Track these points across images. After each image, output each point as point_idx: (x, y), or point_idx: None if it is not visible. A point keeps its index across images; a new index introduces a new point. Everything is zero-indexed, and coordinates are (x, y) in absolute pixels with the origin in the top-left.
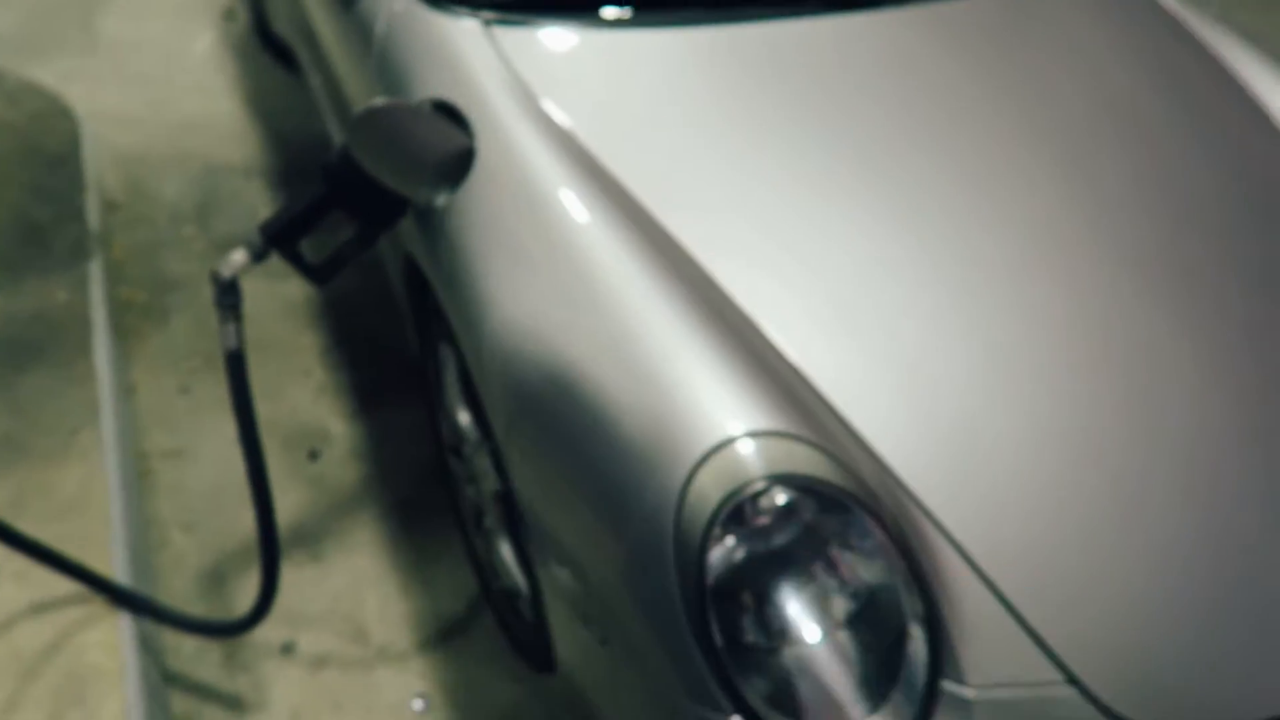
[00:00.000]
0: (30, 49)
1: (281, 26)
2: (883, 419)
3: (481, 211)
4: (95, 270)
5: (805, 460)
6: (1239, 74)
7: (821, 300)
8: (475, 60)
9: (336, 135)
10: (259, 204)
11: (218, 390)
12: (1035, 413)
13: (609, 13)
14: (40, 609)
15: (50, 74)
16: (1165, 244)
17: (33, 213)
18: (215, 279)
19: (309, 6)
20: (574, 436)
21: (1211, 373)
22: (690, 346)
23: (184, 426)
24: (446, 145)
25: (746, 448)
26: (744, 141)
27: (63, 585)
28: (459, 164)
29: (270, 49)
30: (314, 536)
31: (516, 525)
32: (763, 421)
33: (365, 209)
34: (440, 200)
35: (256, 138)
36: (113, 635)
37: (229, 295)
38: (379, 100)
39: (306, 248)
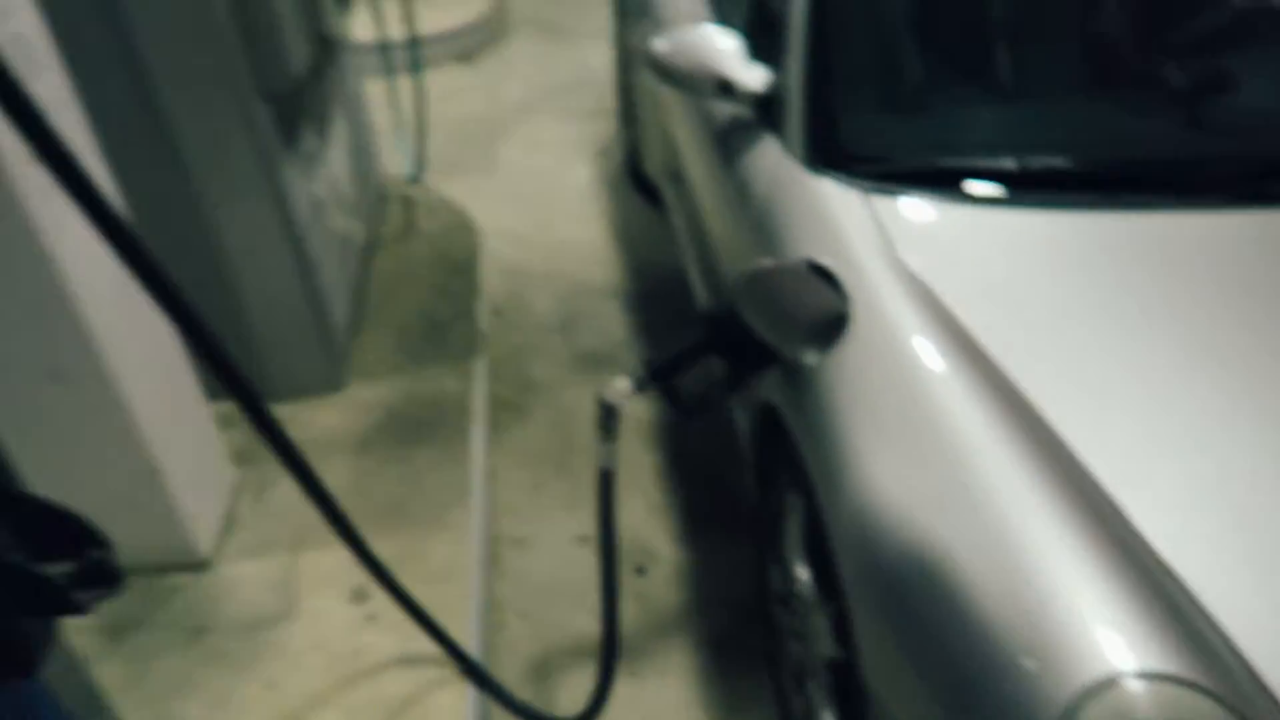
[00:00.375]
0: (448, 169)
1: (651, 168)
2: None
3: (852, 375)
4: (480, 366)
5: (1201, 714)
6: None
7: (1226, 521)
8: (853, 228)
9: (694, 273)
10: (614, 323)
11: (563, 489)
12: None
13: (991, 191)
14: (406, 662)
15: (460, 190)
16: None
17: (437, 311)
18: (600, 402)
19: (683, 156)
20: (935, 624)
21: None
22: (1074, 552)
23: (531, 519)
24: (822, 308)
25: (1137, 689)
26: (1133, 335)
27: (426, 645)
28: (832, 327)
29: (638, 186)
30: (633, 651)
31: (848, 698)
32: (1157, 660)
33: (738, 358)
34: (812, 359)
35: (618, 263)
36: (460, 702)
37: (610, 419)
38: (765, 262)
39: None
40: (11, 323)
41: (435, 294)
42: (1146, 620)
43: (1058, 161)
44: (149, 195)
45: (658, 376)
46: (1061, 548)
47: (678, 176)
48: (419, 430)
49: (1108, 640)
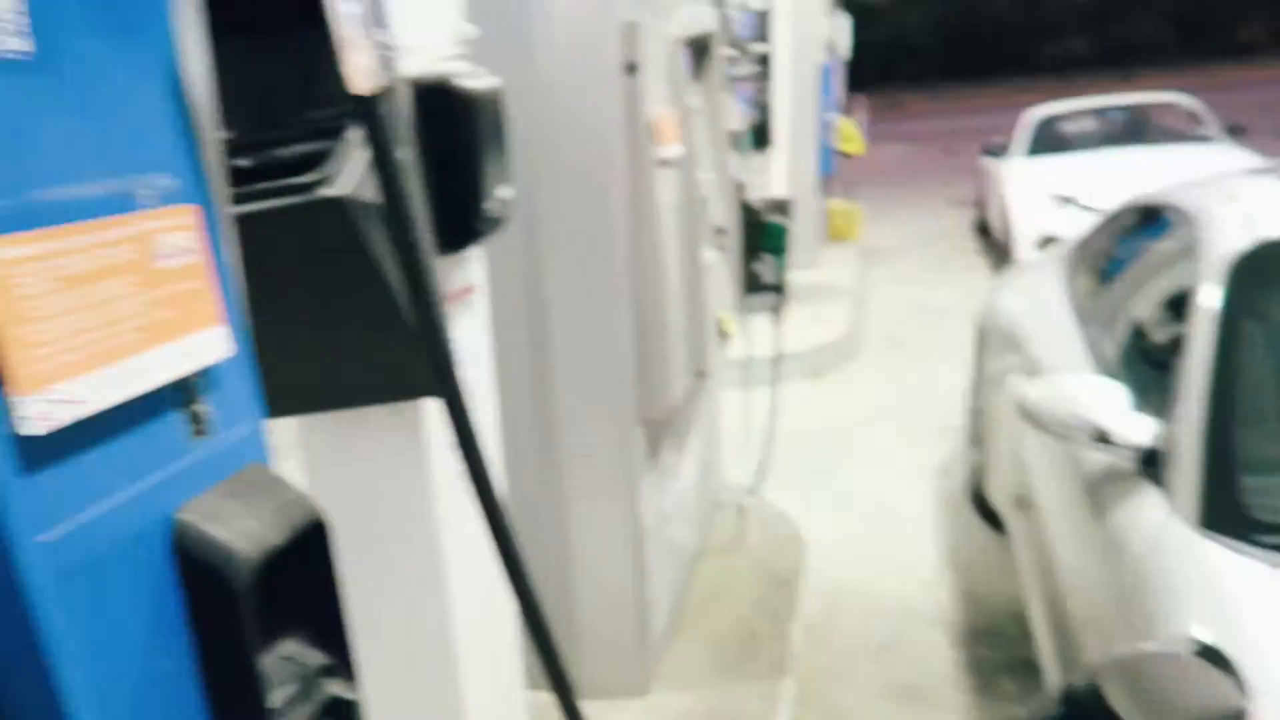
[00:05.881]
0: (785, 480)
1: (996, 494)
2: None
3: None
4: (787, 689)
5: None
6: None
7: None
8: (1255, 604)
9: (1038, 615)
10: (936, 655)
11: None
12: None
13: None
14: None
15: (794, 501)
16: None
17: (754, 625)
18: None
19: (1037, 490)
20: None
21: None
22: None
23: None
24: (1214, 702)
25: None
26: None
27: None
28: None
29: (979, 510)
30: None
31: None
32: None
33: None
34: None
35: (948, 590)
36: None
37: None
38: (1147, 646)
39: None
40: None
41: (754, 607)
42: None
43: None
44: (525, 491)
45: None
46: None
47: (1027, 506)
48: None
49: None
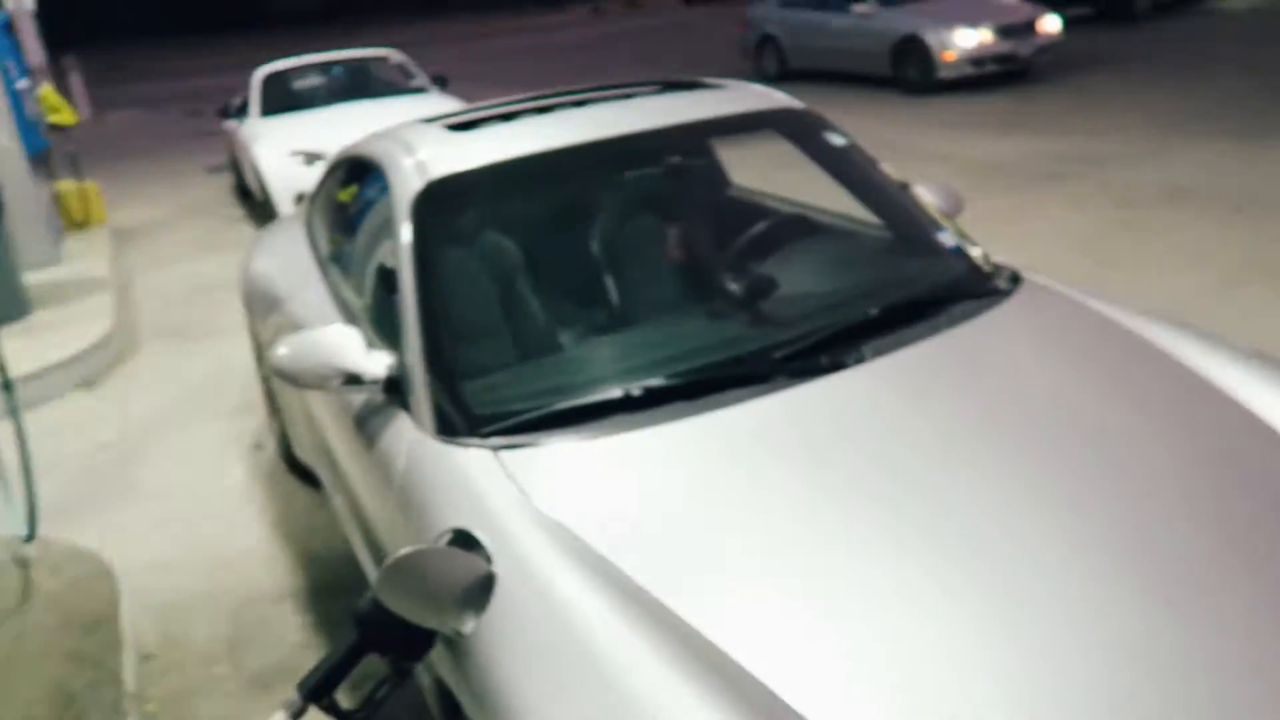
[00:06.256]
0: (72, 513)
1: (304, 453)
2: None
3: (508, 630)
4: None
5: None
6: (1190, 363)
7: (855, 675)
8: (488, 487)
9: (362, 552)
10: (288, 628)
11: None
12: None
13: (601, 421)
14: None
15: (92, 533)
16: (1147, 535)
17: (70, 681)
18: None
19: (331, 441)
20: None
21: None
22: None
23: None
24: (468, 576)
25: None
26: (745, 517)
27: None
28: (481, 591)
29: (296, 472)
30: None
31: None
32: None
33: (397, 648)
34: (468, 627)
35: (286, 561)
36: None
37: None
38: (402, 551)
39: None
40: None
41: (67, 662)
42: None
43: (654, 381)
44: None
45: (315, 696)
46: None
47: (330, 459)
48: None
49: None
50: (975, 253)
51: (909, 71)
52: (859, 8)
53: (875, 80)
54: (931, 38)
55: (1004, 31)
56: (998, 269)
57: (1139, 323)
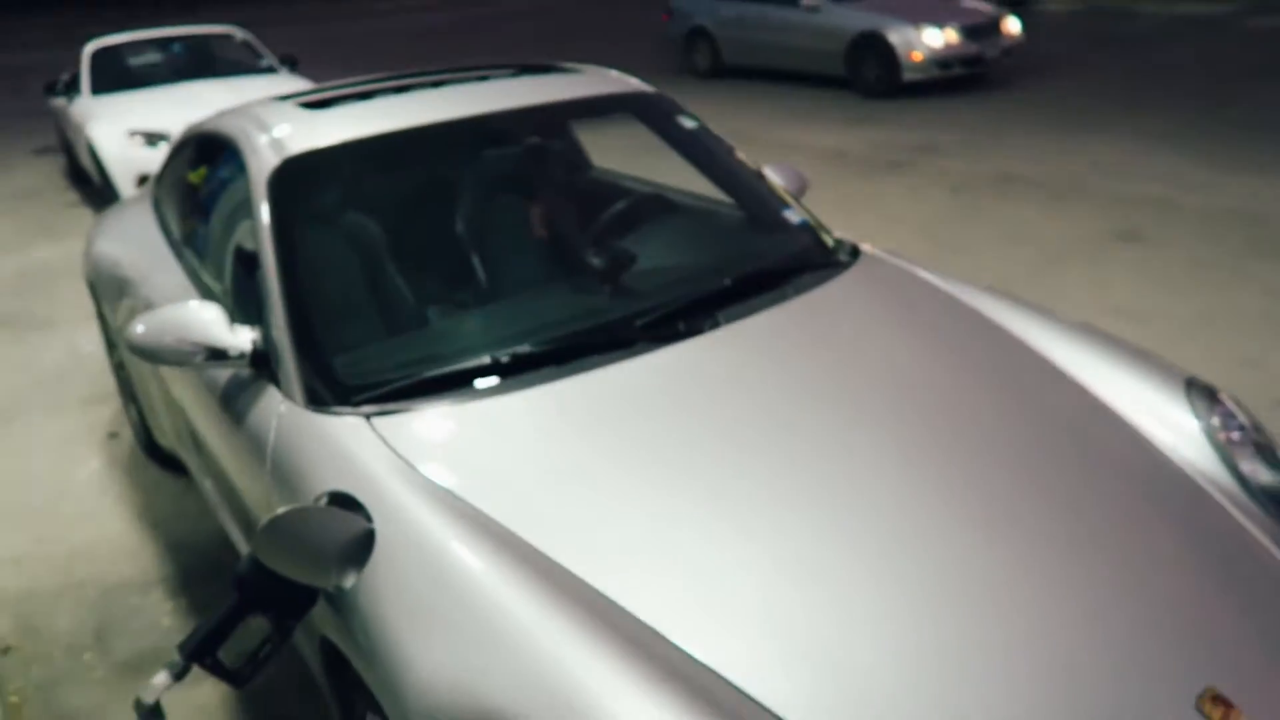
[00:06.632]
0: None
1: (166, 439)
2: (793, 697)
3: (388, 583)
4: None
5: None
6: (1010, 328)
7: (721, 597)
8: (362, 452)
9: (235, 531)
10: (159, 614)
11: None
12: (937, 678)
13: (471, 387)
14: None
15: None
16: (976, 480)
17: None
18: (138, 706)
19: (195, 423)
20: None
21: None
22: (603, 665)
23: None
24: (347, 533)
25: None
26: (608, 468)
27: None
28: (361, 546)
29: (157, 460)
30: None
31: None
32: None
33: (279, 607)
34: (349, 582)
35: (151, 550)
36: None
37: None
38: (280, 510)
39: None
40: None
41: None
42: (669, 697)
43: (520, 348)
44: None
45: (196, 656)
46: (592, 666)
47: (196, 442)
48: None
49: None
50: (816, 229)
51: (866, 72)
52: (806, 1)
53: (823, 81)
54: (896, 36)
55: (970, 32)
56: (839, 243)
57: (960, 288)
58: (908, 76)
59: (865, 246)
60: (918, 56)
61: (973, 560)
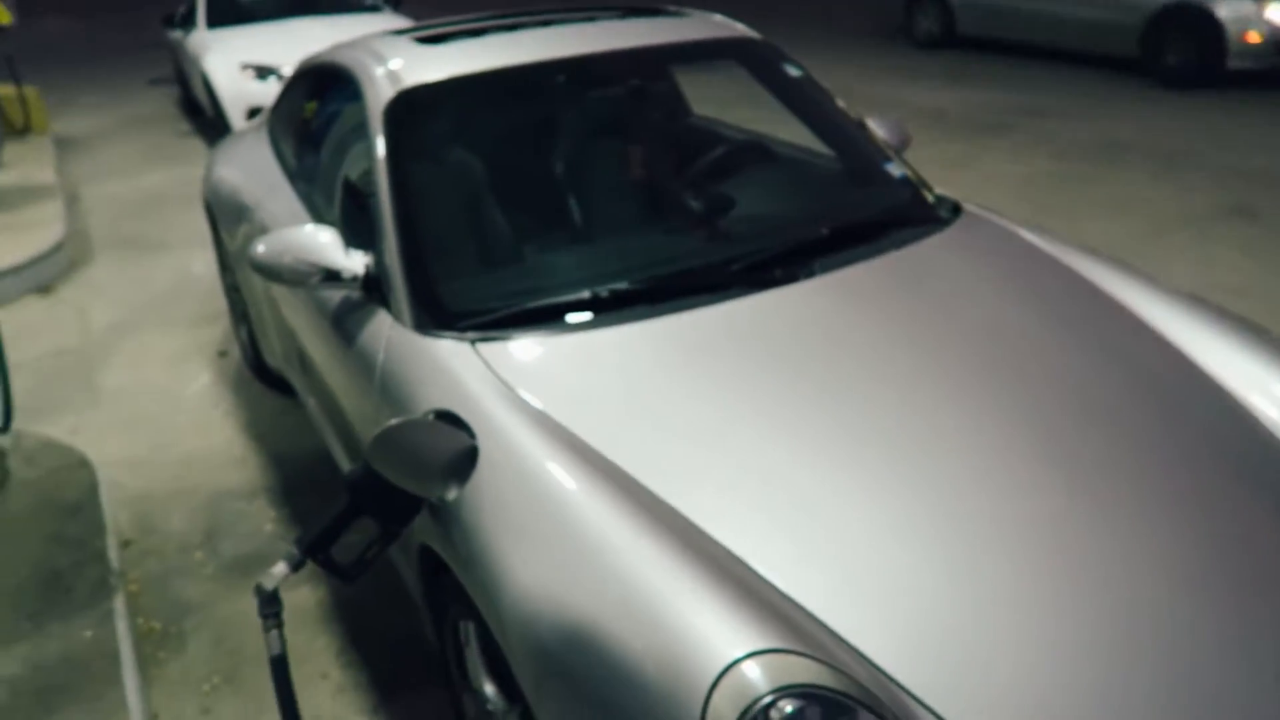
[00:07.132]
0: (41, 412)
1: (274, 359)
2: (873, 631)
3: (489, 498)
4: (119, 606)
5: (805, 671)
6: (1114, 293)
7: (803, 530)
8: (467, 374)
9: (336, 448)
10: (263, 520)
11: (237, 705)
12: (1014, 618)
13: (570, 320)
14: None
15: (62, 430)
16: (1086, 445)
17: (55, 560)
18: (258, 591)
19: (305, 343)
20: (597, 684)
21: (1184, 577)
22: (686, 585)
23: None
24: (453, 448)
25: (751, 668)
26: (698, 403)
27: None
28: (465, 462)
29: (264, 379)
30: None
31: None
32: (761, 642)
33: (386, 512)
34: (453, 495)
35: (256, 461)
36: None
37: (271, 605)
38: (392, 421)
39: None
40: None
41: (50, 543)
42: (749, 616)
43: (619, 285)
44: None
45: (312, 551)
46: (677, 586)
47: (303, 362)
48: (58, 695)
49: (721, 640)
50: (917, 184)
51: (1171, 55)
52: None
53: (1096, 62)
54: (1225, 10)
55: None
56: (940, 199)
57: (1065, 251)
58: (1235, 64)
59: (968, 205)
60: (1255, 37)
61: (1063, 518)
